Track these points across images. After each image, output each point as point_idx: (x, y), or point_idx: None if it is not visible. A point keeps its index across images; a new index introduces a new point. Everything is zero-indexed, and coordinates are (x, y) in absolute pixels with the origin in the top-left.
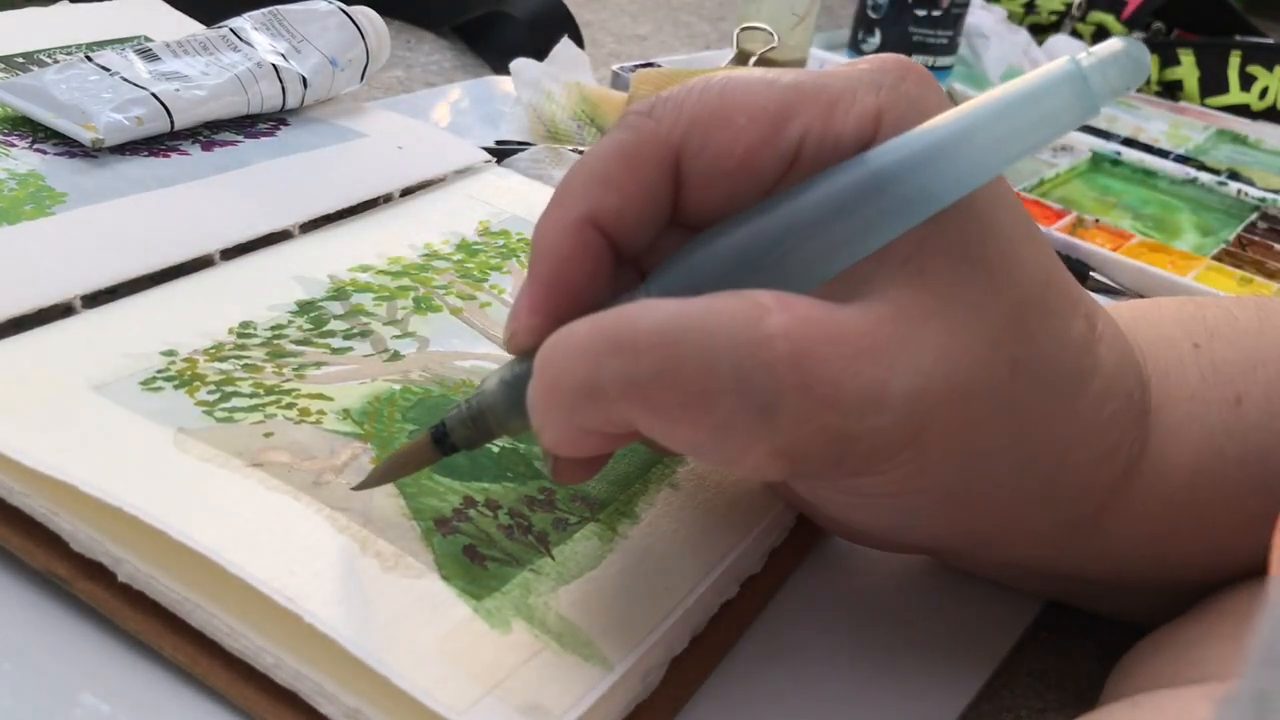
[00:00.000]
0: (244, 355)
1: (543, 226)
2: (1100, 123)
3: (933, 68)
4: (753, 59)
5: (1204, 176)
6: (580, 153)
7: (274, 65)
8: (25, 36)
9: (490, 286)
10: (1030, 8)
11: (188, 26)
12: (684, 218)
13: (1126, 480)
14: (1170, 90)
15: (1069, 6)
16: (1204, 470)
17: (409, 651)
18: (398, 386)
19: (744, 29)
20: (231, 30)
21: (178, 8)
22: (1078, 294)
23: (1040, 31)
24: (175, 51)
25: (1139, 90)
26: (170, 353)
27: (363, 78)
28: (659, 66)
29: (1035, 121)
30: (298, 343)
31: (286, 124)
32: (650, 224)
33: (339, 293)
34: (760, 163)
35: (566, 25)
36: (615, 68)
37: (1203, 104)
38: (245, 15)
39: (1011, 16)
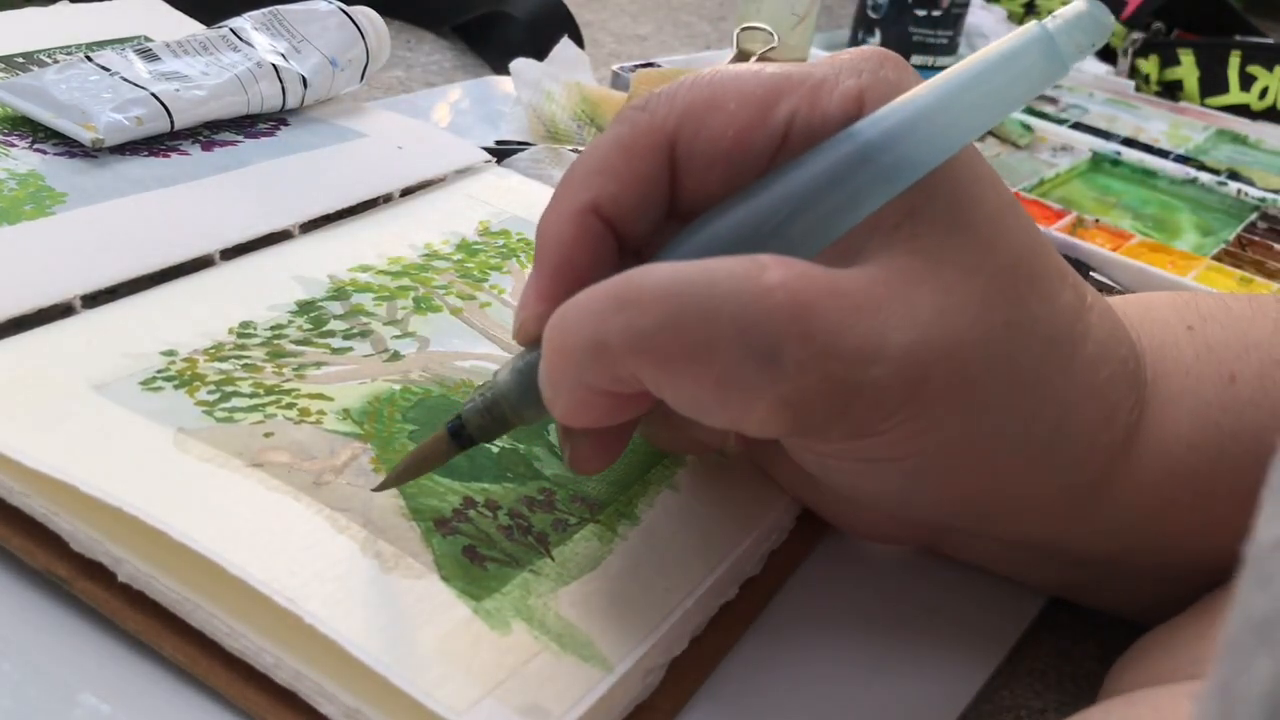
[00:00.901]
0: (244, 355)
1: (546, 217)
2: (1100, 123)
3: (933, 68)
4: (753, 59)
5: (1204, 176)
6: (580, 152)
7: (274, 65)
8: (25, 36)
9: (490, 286)
10: (1030, 8)
11: (188, 26)
12: (682, 206)
13: (1126, 449)
14: (1170, 90)
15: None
16: (1201, 443)
17: (409, 652)
18: (398, 386)
19: (744, 29)
20: (231, 30)
21: (178, 8)
22: (1063, 266)
23: None
24: (175, 51)
25: (1139, 90)
26: (170, 353)
27: (363, 78)
28: (659, 66)
29: (1008, 83)
30: (298, 343)
31: (286, 124)
32: (650, 211)
33: (339, 293)
34: (752, 144)
35: (566, 25)
36: (615, 68)
37: (1203, 104)
38: (245, 15)
39: (1011, 16)
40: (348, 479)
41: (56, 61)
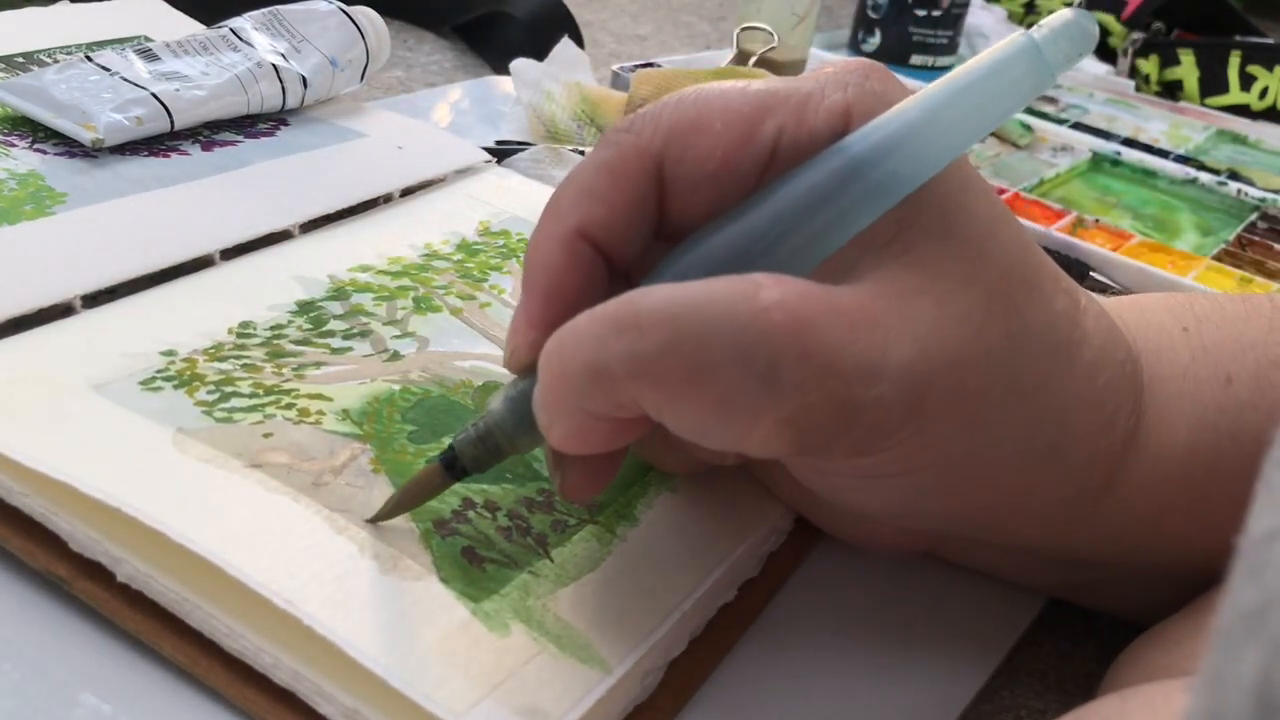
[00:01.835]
0: (243, 355)
1: (534, 242)
2: (1100, 123)
3: (933, 68)
4: (753, 59)
5: (1204, 176)
6: (581, 153)
7: (274, 65)
8: (25, 36)
9: (490, 286)
10: (1030, 8)
11: (188, 26)
12: (671, 228)
13: (1124, 453)
14: (1170, 90)
15: (1069, 7)
16: (1199, 445)
17: (408, 654)
18: (397, 387)
19: (744, 29)
20: (231, 30)
21: (178, 8)
22: (1056, 272)
23: None
24: (175, 51)
25: (1139, 90)
26: (170, 353)
27: (363, 78)
28: (659, 66)
29: (996, 95)
30: (297, 343)
31: (286, 124)
32: (639, 234)
33: (339, 293)
34: (739, 163)
35: (566, 25)
36: (615, 68)
37: (1203, 104)
38: (245, 15)
39: (1011, 16)
40: (347, 479)
41: (56, 61)
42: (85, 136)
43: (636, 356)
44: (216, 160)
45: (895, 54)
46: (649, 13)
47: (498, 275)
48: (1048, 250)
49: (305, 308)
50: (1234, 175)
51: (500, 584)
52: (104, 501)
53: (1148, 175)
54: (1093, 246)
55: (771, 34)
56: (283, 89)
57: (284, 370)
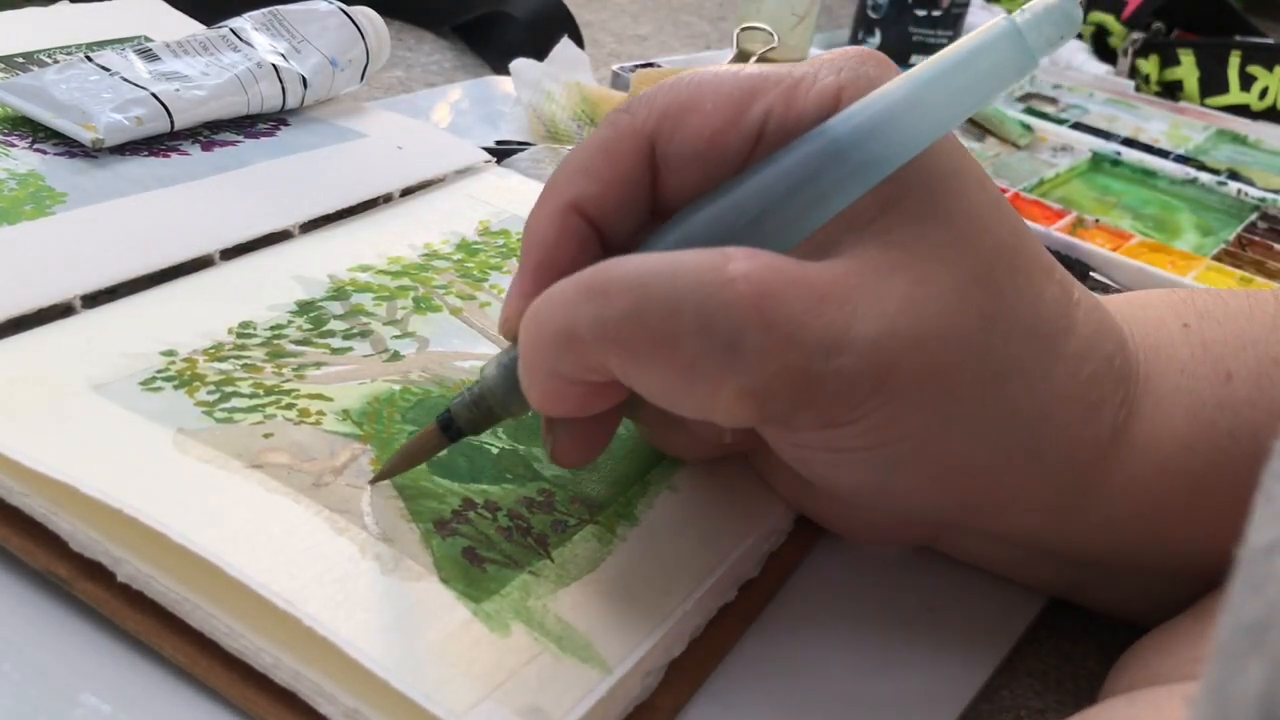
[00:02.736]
0: (244, 355)
1: (531, 217)
2: (1100, 123)
3: None
4: (753, 59)
5: (1204, 176)
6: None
7: (274, 65)
8: (25, 36)
9: (490, 286)
10: None
11: (188, 26)
12: (664, 206)
13: (1114, 445)
14: (1170, 90)
15: None
16: (1196, 441)
17: (408, 654)
18: (397, 387)
19: (744, 29)
20: (231, 30)
21: (178, 8)
22: (1051, 263)
23: None
24: (175, 51)
25: (1139, 90)
26: (170, 353)
27: (363, 78)
28: (659, 66)
29: (979, 78)
30: (297, 343)
31: (286, 124)
32: (632, 210)
33: (339, 293)
34: (727, 143)
35: (566, 25)
36: (615, 68)
37: (1203, 104)
38: (245, 15)
39: None
40: (347, 480)
41: (56, 61)
42: (85, 136)
43: (602, 321)
44: (216, 160)
45: (895, 54)
46: (649, 13)
47: (498, 275)
48: (1048, 250)
49: (305, 308)
50: (1234, 175)
51: (501, 584)
52: (104, 502)
53: (1148, 175)
54: (1093, 246)
55: (771, 34)
56: (283, 89)
57: (284, 370)
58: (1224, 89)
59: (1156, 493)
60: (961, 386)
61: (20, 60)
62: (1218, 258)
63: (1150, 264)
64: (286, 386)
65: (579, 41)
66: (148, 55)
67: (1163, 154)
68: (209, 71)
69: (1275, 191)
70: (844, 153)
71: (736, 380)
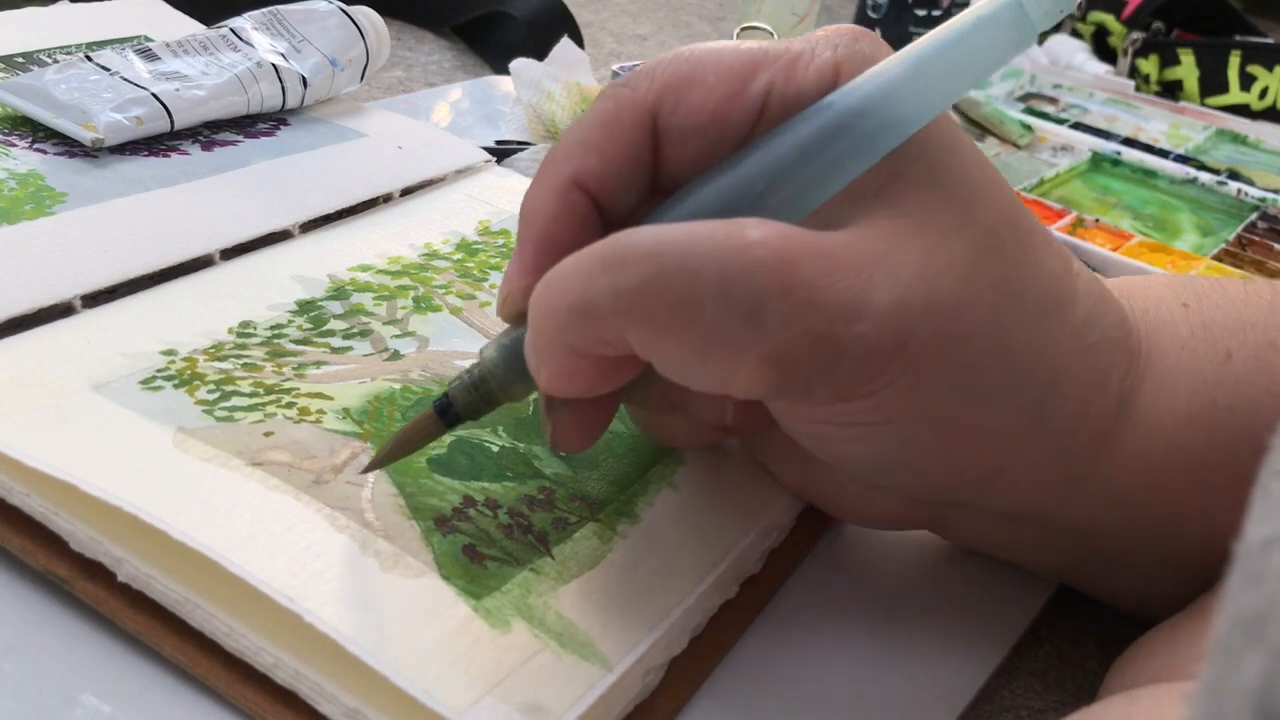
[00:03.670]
0: (244, 355)
1: (530, 192)
2: (1100, 123)
3: None
4: None
5: (1204, 176)
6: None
7: (274, 65)
8: (25, 36)
9: (490, 286)
10: None
11: (188, 26)
12: (665, 180)
13: (1119, 418)
14: (1170, 90)
15: None
16: (1197, 417)
17: (409, 651)
18: (397, 386)
19: (744, 29)
20: (231, 30)
21: (178, 8)
22: (1048, 234)
23: None
24: (175, 51)
25: (1139, 90)
26: (170, 352)
27: (363, 78)
28: None
29: (979, 50)
30: (297, 342)
31: (286, 124)
32: (632, 184)
33: (339, 292)
34: (730, 116)
35: (566, 25)
36: (615, 68)
37: (1203, 104)
38: (245, 15)
39: None
40: (347, 478)
41: (56, 61)
42: (85, 136)
43: (621, 291)
44: (216, 160)
45: None
46: (649, 13)
47: (498, 275)
48: None
49: (305, 307)
50: (1234, 175)
51: (501, 581)
52: (105, 501)
53: (1148, 175)
54: (1093, 246)
55: (771, 34)
56: (283, 89)
57: (284, 369)
58: (1224, 89)
59: (1157, 467)
60: (975, 356)
61: (20, 60)
62: (1218, 258)
63: (1150, 264)
64: (287, 385)
65: (579, 41)
66: (148, 55)
67: (1163, 154)
68: (209, 71)
69: (1275, 191)
70: (850, 124)
71: (757, 347)
